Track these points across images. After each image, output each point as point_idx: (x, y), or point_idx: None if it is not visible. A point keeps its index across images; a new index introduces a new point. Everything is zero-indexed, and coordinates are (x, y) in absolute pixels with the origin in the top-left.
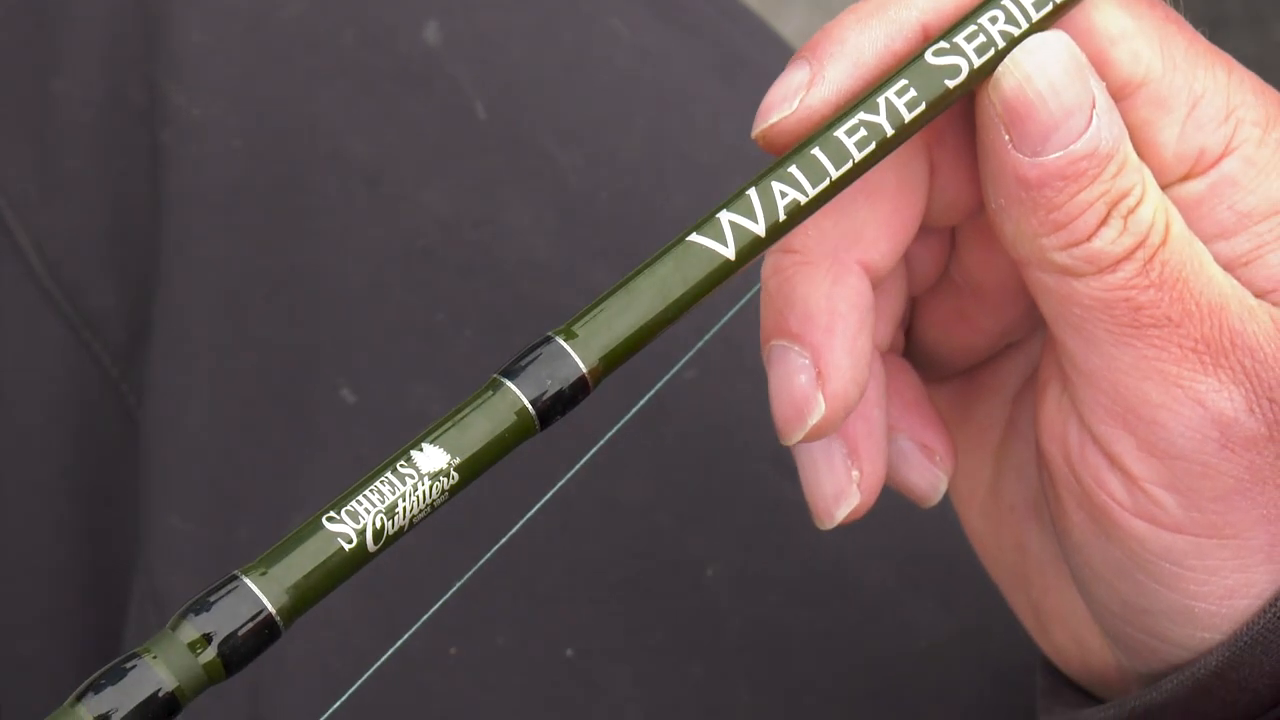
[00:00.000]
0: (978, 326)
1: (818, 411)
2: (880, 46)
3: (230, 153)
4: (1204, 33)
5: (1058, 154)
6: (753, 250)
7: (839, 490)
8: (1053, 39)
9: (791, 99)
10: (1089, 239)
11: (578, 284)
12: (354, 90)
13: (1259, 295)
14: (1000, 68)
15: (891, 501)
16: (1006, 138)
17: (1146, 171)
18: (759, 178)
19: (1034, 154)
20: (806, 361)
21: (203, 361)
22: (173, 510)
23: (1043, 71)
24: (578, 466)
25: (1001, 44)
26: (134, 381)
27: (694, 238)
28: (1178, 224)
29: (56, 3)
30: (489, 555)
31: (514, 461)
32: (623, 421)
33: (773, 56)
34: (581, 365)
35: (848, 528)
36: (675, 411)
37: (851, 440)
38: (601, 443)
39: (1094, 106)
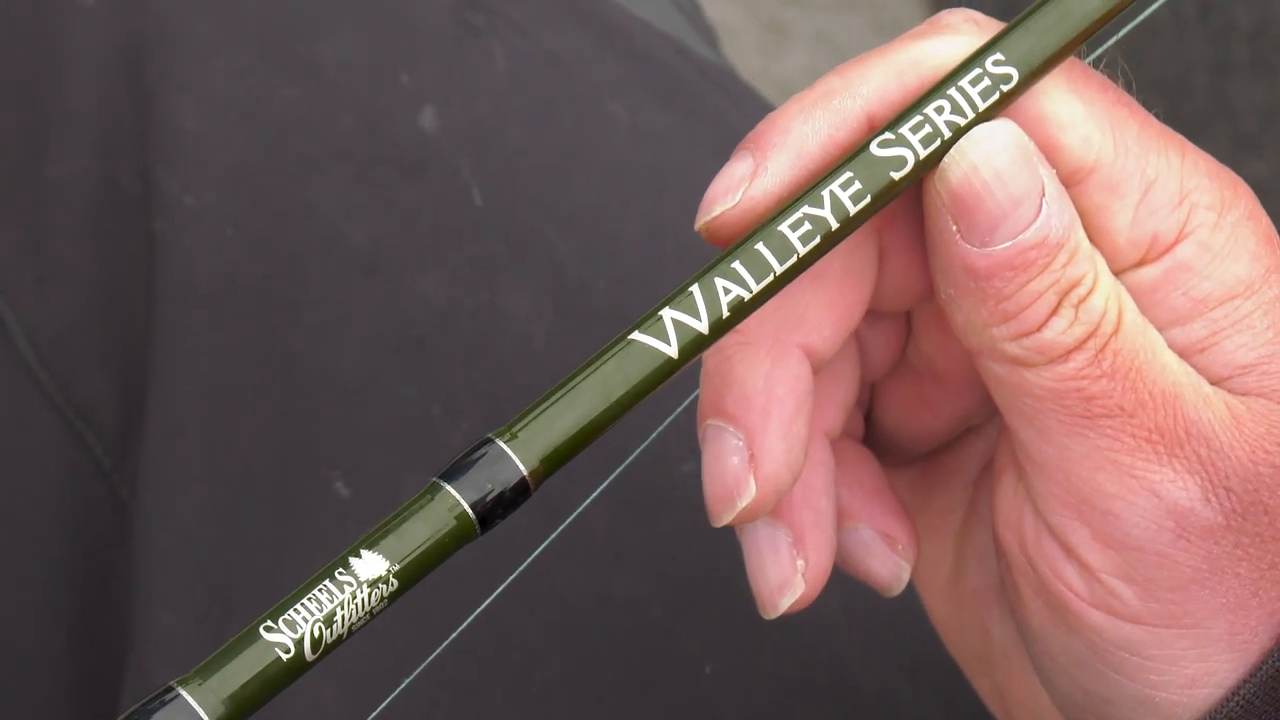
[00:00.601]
0: (938, 411)
1: (748, 494)
2: (824, 137)
3: (224, 241)
4: (1156, 114)
5: (1006, 244)
6: (696, 347)
7: (783, 579)
8: (999, 127)
9: (734, 191)
10: (1039, 329)
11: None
12: (349, 177)
13: (1214, 382)
14: (946, 158)
15: (893, 601)
16: (954, 228)
17: (1099, 258)
18: (701, 274)
19: (982, 244)
20: (740, 443)
21: (195, 453)
22: (165, 606)
23: (989, 161)
24: (544, 544)
25: (948, 134)
26: (126, 472)
27: (636, 336)
28: (1130, 312)
29: (50, 88)
30: (453, 635)
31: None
32: (588, 500)
33: None
34: (522, 468)
35: (849, 626)
36: (673, 505)
37: (797, 529)
38: (567, 522)
39: (1043, 194)
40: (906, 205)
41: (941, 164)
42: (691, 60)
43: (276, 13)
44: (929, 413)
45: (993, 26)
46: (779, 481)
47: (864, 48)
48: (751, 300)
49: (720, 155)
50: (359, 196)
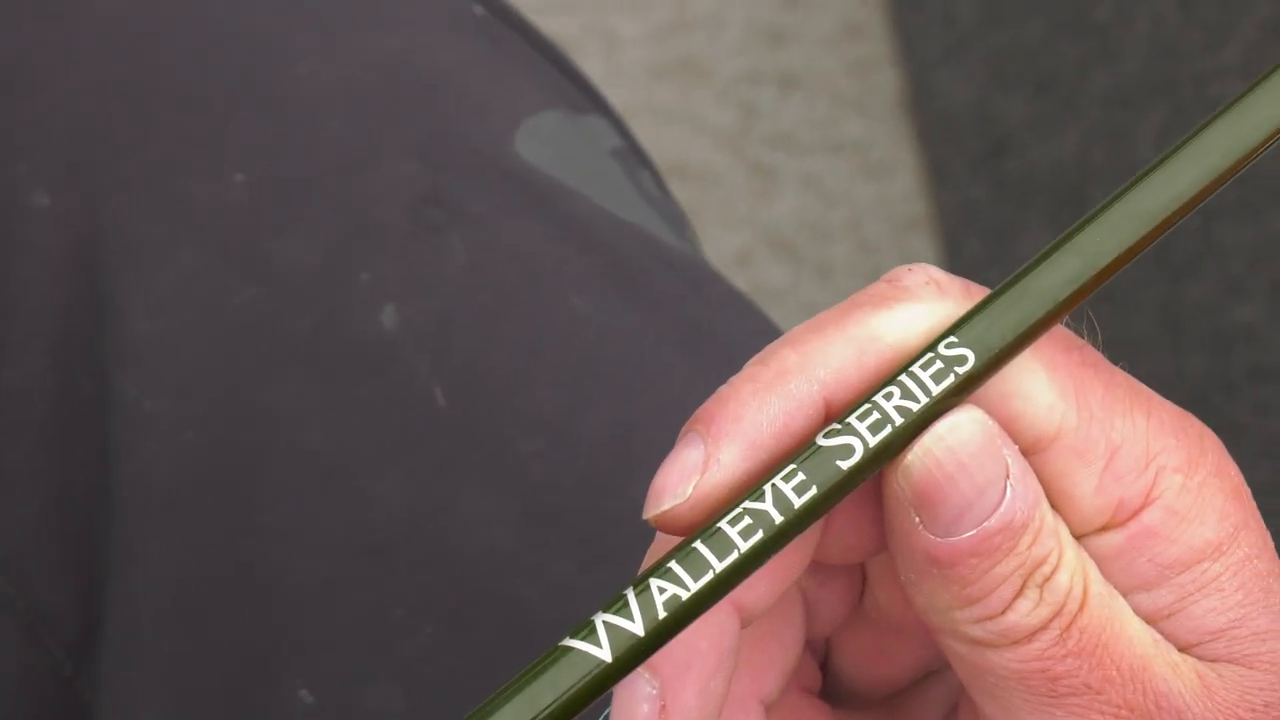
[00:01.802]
0: (897, 661)
1: None
2: (779, 425)
3: (180, 446)
4: (1124, 367)
5: (970, 533)
6: (634, 653)
7: None
8: (964, 418)
9: (685, 484)
10: (1004, 612)
11: (543, 577)
12: (309, 378)
13: (1182, 649)
14: (910, 455)
15: None
16: (916, 520)
17: (1063, 530)
18: (636, 579)
19: (945, 534)
20: (654, 692)
21: (157, 660)
22: None
23: (953, 456)
24: None
25: (899, 420)
26: (88, 678)
27: (568, 641)
28: (1096, 584)
29: (5, 289)
30: None
31: None
32: None
33: (739, 323)
34: None
35: None
36: None
37: None
38: None
39: (1008, 477)
40: None
41: (905, 460)
42: (653, 248)
43: (232, 212)
44: (887, 662)
45: (954, 287)
46: None
47: (852, 190)
48: (692, 599)
49: (686, 347)
50: (318, 398)
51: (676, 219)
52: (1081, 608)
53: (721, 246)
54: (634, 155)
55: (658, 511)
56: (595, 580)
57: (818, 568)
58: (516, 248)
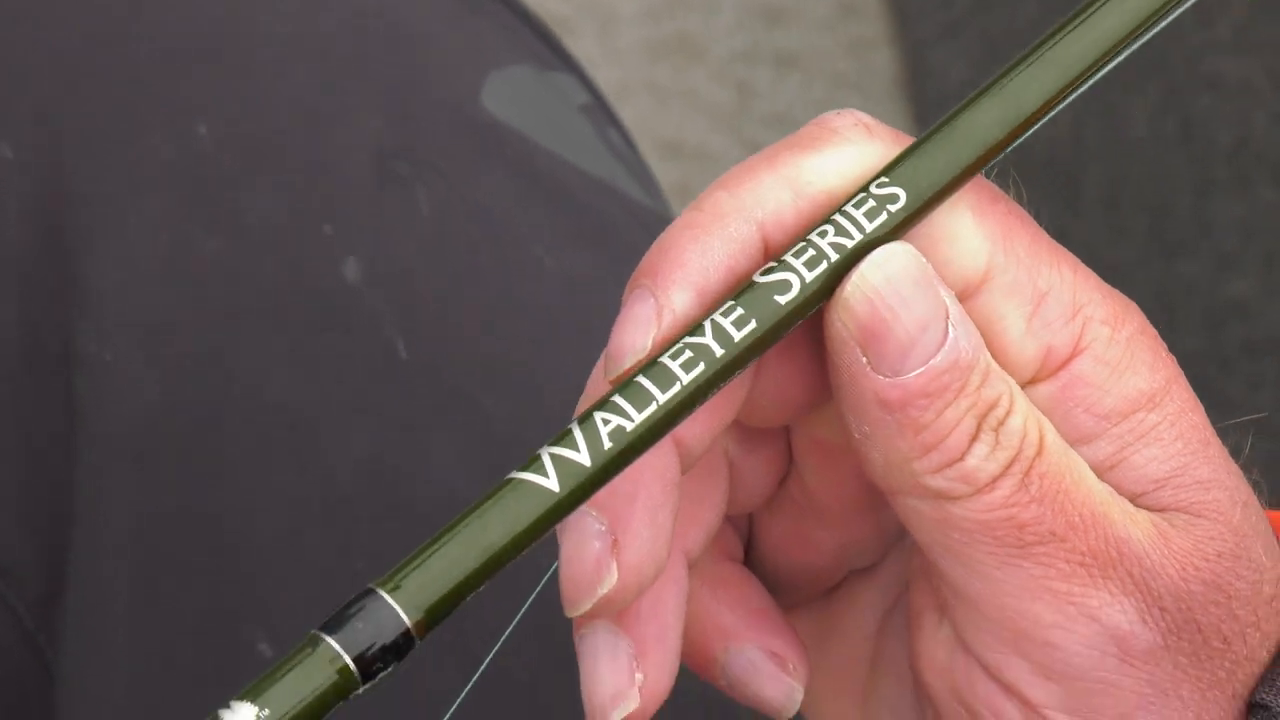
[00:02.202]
0: (818, 548)
1: (609, 580)
2: (723, 268)
3: (144, 400)
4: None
5: (918, 370)
6: (583, 484)
7: (619, 690)
8: (896, 250)
9: (645, 338)
10: (962, 457)
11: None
12: (271, 330)
13: (1131, 500)
14: (847, 286)
15: None
16: (864, 360)
17: (1011, 380)
18: (580, 414)
19: (894, 373)
20: (603, 528)
21: (119, 613)
22: None
23: (891, 286)
24: (464, 693)
25: (834, 257)
26: (51, 633)
27: (516, 474)
28: (1051, 433)
29: None
30: None
31: None
32: (506, 634)
33: None
34: (405, 618)
35: None
36: None
37: (641, 642)
38: (485, 663)
39: (948, 317)
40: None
41: (843, 293)
42: (620, 202)
43: (196, 164)
44: (809, 549)
45: (882, 131)
46: (642, 571)
47: None
48: (636, 430)
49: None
50: (281, 350)
51: (645, 175)
52: (1039, 454)
53: None
54: (602, 112)
55: (619, 370)
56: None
57: (745, 434)
58: (482, 201)
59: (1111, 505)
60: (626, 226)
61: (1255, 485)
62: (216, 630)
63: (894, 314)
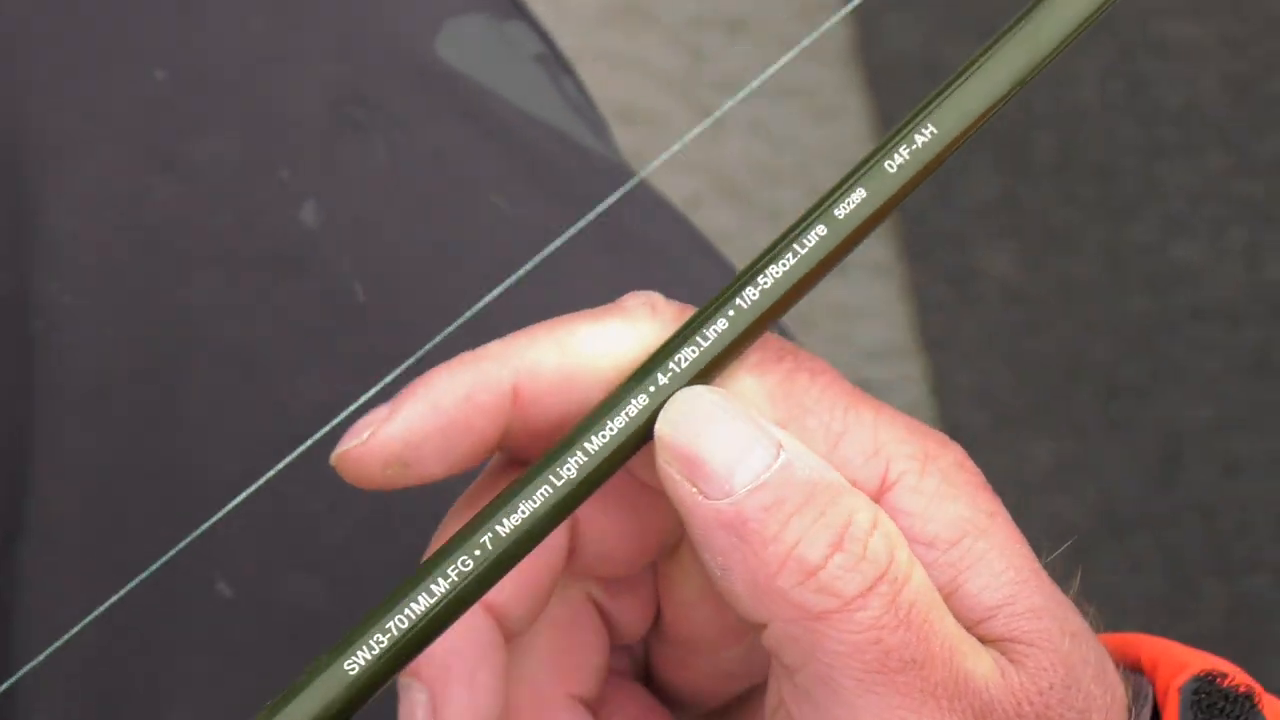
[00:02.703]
0: (700, 674)
1: None
2: (460, 394)
3: (102, 341)
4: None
5: (749, 485)
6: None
7: None
8: (698, 388)
9: (364, 430)
10: (823, 565)
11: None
12: (228, 275)
13: (967, 628)
14: (657, 427)
15: None
16: (694, 490)
17: (877, 509)
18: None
19: (725, 494)
20: (424, 698)
21: (76, 554)
22: (46, 710)
23: (699, 413)
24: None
25: (631, 420)
26: (7, 574)
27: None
28: (918, 564)
29: None
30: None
31: None
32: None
33: (657, 225)
34: None
35: None
36: None
37: None
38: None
39: (778, 443)
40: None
41: (656, 435)
42: (576, 151)
43: (150, 110)
44: (692, 674)
45: (669, 310)
46: None
47: (800, 135)
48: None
49: (605, 245)
50: (238, 294)
51: (599, 125)
52: (908, 579)
53: (670, 190)
54: (556, 62)
55: (337, 452)
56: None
57: (606, 582)
58: (438, 147)
59: (962, 639)
60: (580, 173)
61: (1090, 617)
62: (175, 570)
63: (708, 437)
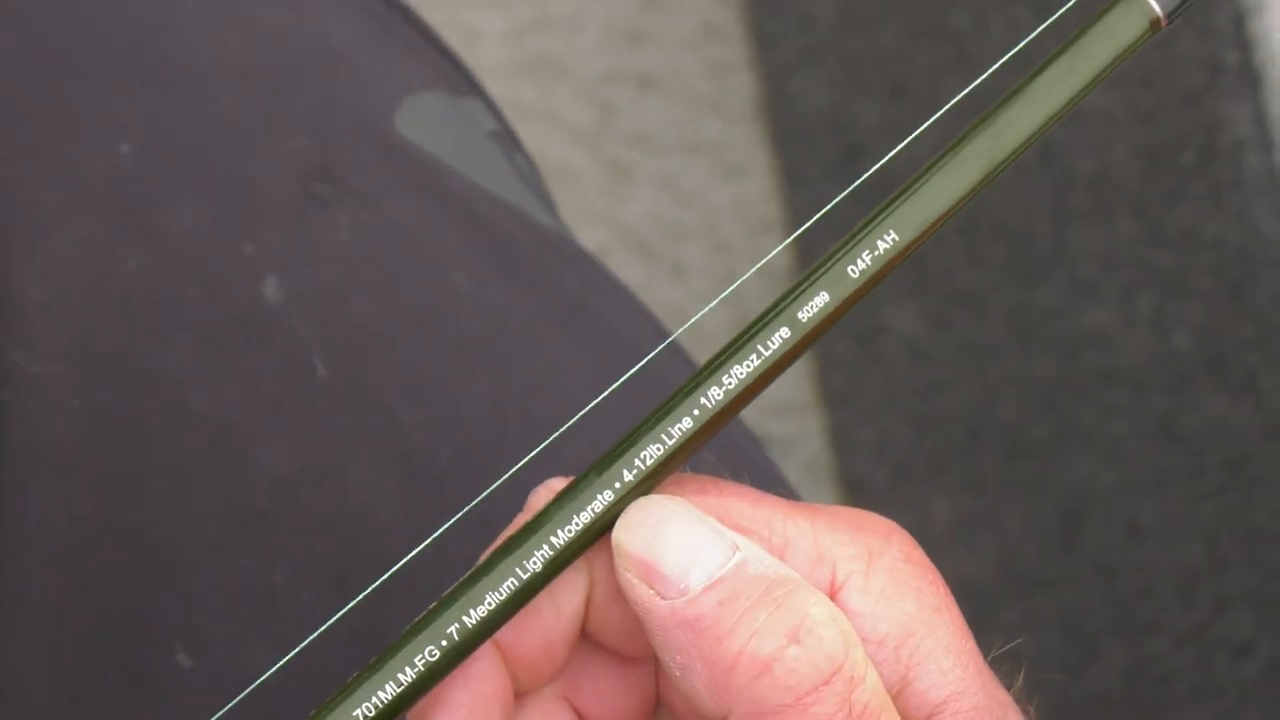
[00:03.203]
0: None
1: None
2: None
3: (69, 411)
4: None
5: (704, 583)
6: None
7: None
8: (653, 496)
9: None
10: (779, 656)
11: (419, 543)
12: (194, 346)
13: None
14: (614, 535)
15: None
16: (651, 592)
17: (831, 606)
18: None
19: (680, 594)
20: None
21: (38, 623)
22: None
23: (653, 519)
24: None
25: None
26: None
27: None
28: (873, 668)
29: None
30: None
31: None
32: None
33: (612, 302)
34: None
35: None
36: None
37: None
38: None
39: (727, 540)
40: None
41: (614, 542)
42: (532, 228)
43: (121, 182)
44: None
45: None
46: None
47: (708, 191)
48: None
49: (561, 324)
50: (204, 365)
51: (548, 200)
52: (862, 680)
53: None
54: (509, 138)
55: None
56: (473, 548)
57: (619, 661)
58: (400, 224)
59: None
60: (535, 250)
61: (1030, 715)
62: (136, 639)
63: (664, 541)
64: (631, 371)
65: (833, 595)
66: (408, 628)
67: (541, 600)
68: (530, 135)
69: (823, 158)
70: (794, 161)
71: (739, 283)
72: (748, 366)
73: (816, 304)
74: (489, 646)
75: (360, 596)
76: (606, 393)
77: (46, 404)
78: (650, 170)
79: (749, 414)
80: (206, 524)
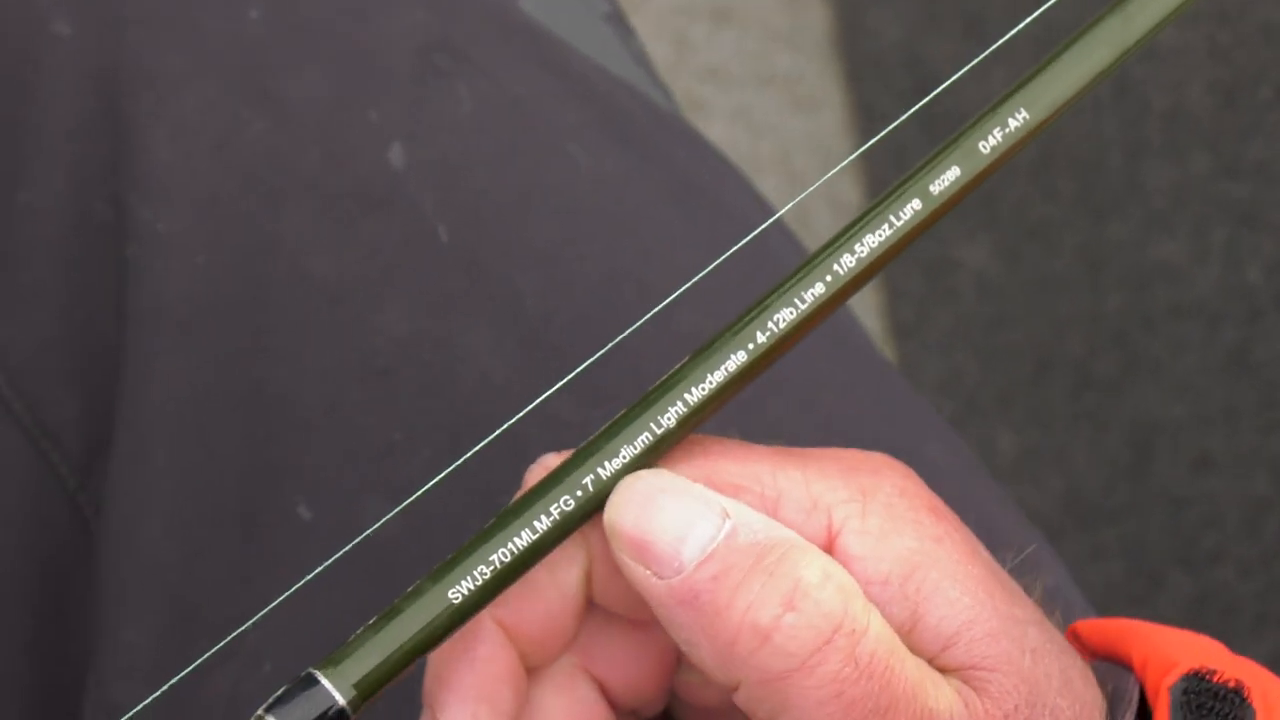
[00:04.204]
0: None
1: None
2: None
3: (194, 269)
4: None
5: (697, 558)
6: (478, 598)
7: None
8: (640, 473)
9: None
10: (777, 625)
11: (539, 410)
12: (317, 210)
13: (930, 659)
14: (605, 517)
15: None
16: (648, 573)
17: (828, 561)
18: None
19: (676, 572)
20: (429, 715)
21: (161, 475)
22: (128, 624)
23: (640, 498)
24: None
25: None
26: (92, 493)
27: (433, 587)
28: (876, 613)
29: (25, 114)
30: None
31: None
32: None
33: (724, 183)
34: (340, 699)
35: None
36: None
37: None
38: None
39: (723, 511)
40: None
41: (605, 523)
42: (646, 106)
43: (246, 48)
44: None
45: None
46: None
47: (781, 124)
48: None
49: (675, 199)
50: (325, 228)
51: (661, 83)
52: (865, 630)
53: None
54: (623, 22)
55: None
56: (586, 416)
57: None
58: (518, 96)
59: (925, 677)
60: (650, 127)
61: (1054, 623)
62: (257, 492)
63: (653, 519)
64: (742, 243)
65: (830, 541)
66: (473, 537)
67: (540, 575)
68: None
69: (896, 92)
70: (867, 96)
71: (841, 167)
72: (880, 236)
73: (948, 178)
74: (492, 627)
75: (469, 454)
76: (716, 263)
77: (172, 261)
78: (724, 103)
79: None
80: (326, 383)
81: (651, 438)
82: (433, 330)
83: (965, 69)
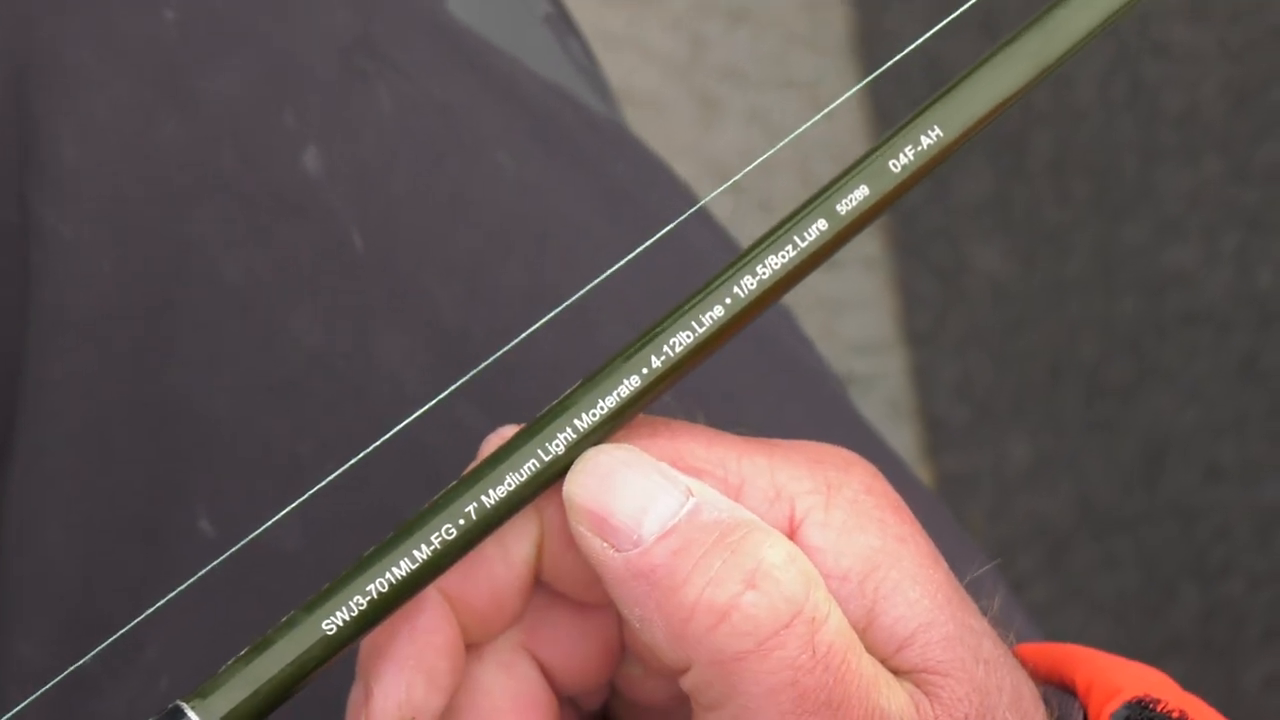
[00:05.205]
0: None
1: None
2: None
3: (100, 274)
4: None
5: (656, 533)
6: (354, 629)
7: None
8: (603, 446)
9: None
10: (736, 604)
11: (448, 422)
12: (228, 213)
13: (884, 659)
14: (564, 489)
15: None
16: (605, 545)
17: (790, 546)
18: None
19: (634, 545)
20: (362, 685)
21: (62, 483)
22: (23, 637)
23: (601, 471)
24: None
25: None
26: None
27: (305, 616)
28: (836, 606)
29: None
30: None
31: None
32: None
33: (655, 188)
34: None
35: None
36: None
37: None
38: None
39: (680, 486)
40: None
41: (564, 496)
42: (579, 111)
43: (162, 45)
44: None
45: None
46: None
47: (797, 126)
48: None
49: (603, 207)
50: (237, 233)
51: (602, 87)
52: (825, 620)
53: None
54: (564, 22)
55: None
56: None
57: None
58: (443, 100)
59: (879, 676)
60: (580, 132)
61: (1012, 638)
62: (159, 503)
63: (615, 492)
64: (654, 238)
65: (792, 532)
66: (347, 569)
67: (489, 548)
68: (618, 64)
69: (913, 95)
70: (885, 97)
71: (801, 128)
72: (783, 257)
73: (856, 197)
74: (436, 597)
75: (363, 454)
76: (626, 259)
77: (76, 266)
78: (740, 104)
79: (832, 352)
80: (234, 393)
81: (603, 414)
82: (345, 340)
83: (920, 39)
